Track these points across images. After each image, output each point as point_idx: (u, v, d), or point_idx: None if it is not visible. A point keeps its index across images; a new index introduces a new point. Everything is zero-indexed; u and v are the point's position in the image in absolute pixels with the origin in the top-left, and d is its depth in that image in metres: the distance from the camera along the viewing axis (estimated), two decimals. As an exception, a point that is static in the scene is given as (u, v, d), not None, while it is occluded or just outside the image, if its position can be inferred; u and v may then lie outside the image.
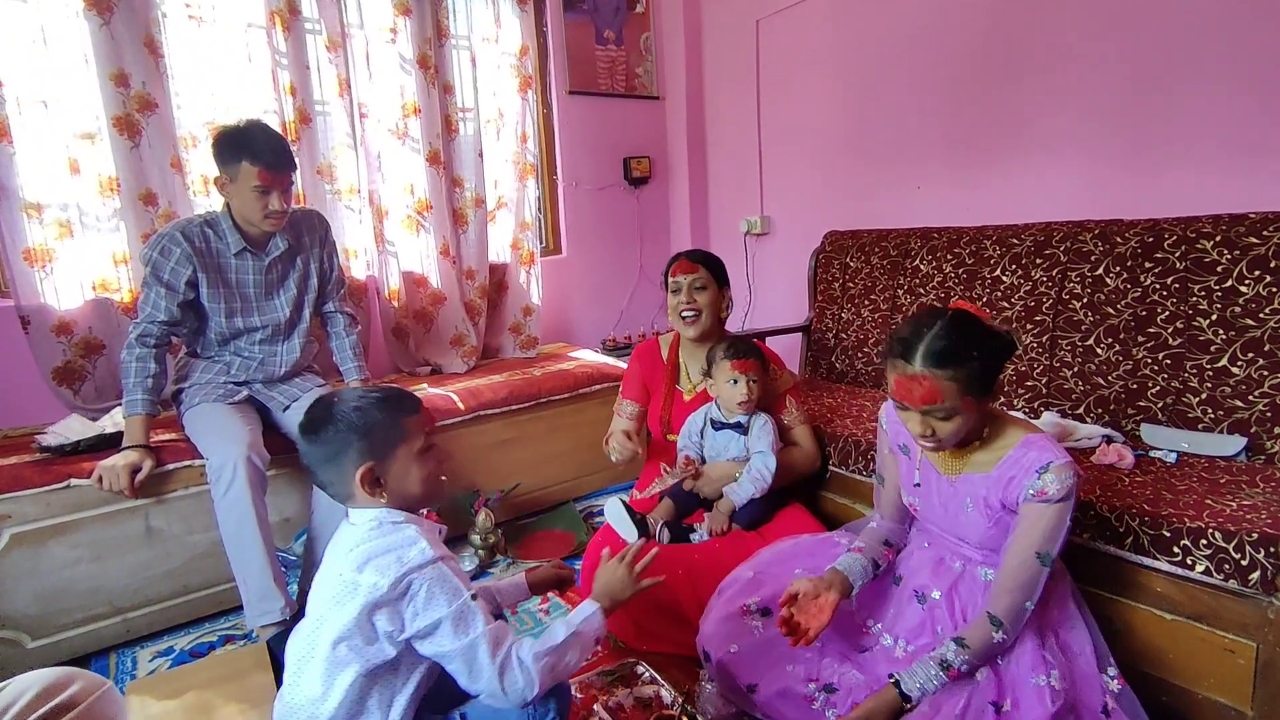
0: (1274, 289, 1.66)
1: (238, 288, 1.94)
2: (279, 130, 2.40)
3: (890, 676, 1.25)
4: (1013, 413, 1.35)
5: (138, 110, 2.20)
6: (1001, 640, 1.19)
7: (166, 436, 1.95)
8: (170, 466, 1.86)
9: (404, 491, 1.11)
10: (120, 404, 1.86)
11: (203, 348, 1.99)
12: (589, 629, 1.17)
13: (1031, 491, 1.20)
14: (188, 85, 2.34)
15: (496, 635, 1.06)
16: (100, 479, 1.72)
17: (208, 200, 2.36)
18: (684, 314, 1.88)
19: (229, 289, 1.93)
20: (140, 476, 1.75)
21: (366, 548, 1.04)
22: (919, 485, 1.40)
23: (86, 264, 2.22)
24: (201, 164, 2.36)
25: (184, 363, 2.01)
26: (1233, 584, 1.28)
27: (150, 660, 1.82)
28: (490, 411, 2.45)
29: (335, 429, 1.07)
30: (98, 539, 1.80)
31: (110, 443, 1.87)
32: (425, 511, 1.25)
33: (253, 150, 1.77)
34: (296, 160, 2.43)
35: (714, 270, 1.92)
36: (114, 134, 2.17)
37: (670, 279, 1.92)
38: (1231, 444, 1.66)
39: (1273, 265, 1.67)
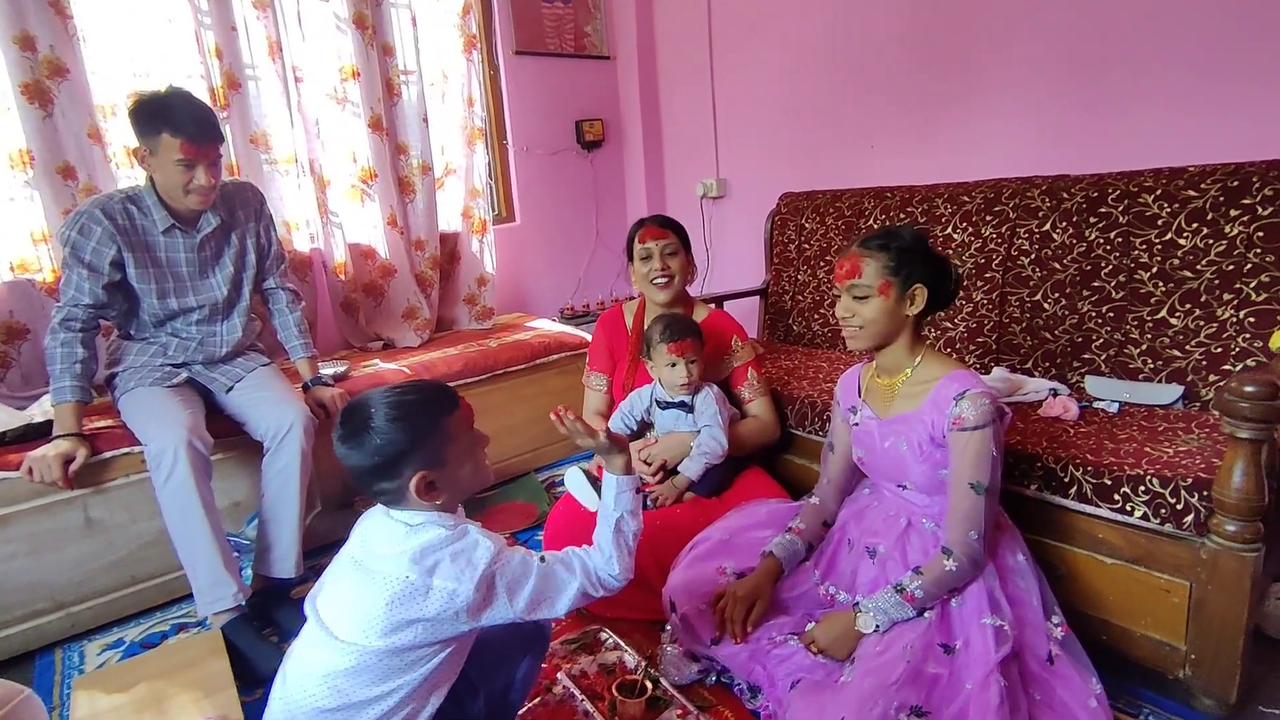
0: (1210, 241, 1.71)
1: (169, 267, 1.84)
2: (206, 97, 2.29)
3: (854, 604, 1.31)
4: (946, 355, 1.43)
5: (48, 76, 2.05)
6: (953, 569, 1.24)
7: (102, 423, 1.86)
8: (107, 454, 1.78)
9: (457, 489, 1.09)
10: (49, 391, 1.77)
11: (136, 329, 1.89)
12: (626, 500, 1.18)
13: (951, 420, 1.27)
14: (102, 49, 2.19)
15: (582, 570, 1.11)
16: (30, 471, 1.64)
17: (132, 173, 2.23)
18: (656, 280, 1.87)
19: (159, 269, 1.83)
20: (74, 466, 1.67)
21: (430, 551, 1.01)
22: (858, 425, 1.47)
23: (2, 243, 2.09)
24: (123, 134, 2.22)
25: (116, 345, 1.92)
26: (1168, 527, 1.33)
27: (99, 654, 1.76)
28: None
29: (379, 442, 1.01)
30: (33, 532, 1.72)
31: (40, 432, 1.78)
32: None
33: (173, 121, 1.65)
34: (226, 131, 2.32)
35: (681, 236, 1.92)
36: (23, 102, 2.02)
37: (639, 245, 1.89)
38: (1169, 393, 1.72)
39: (1209, 218, 1.71)
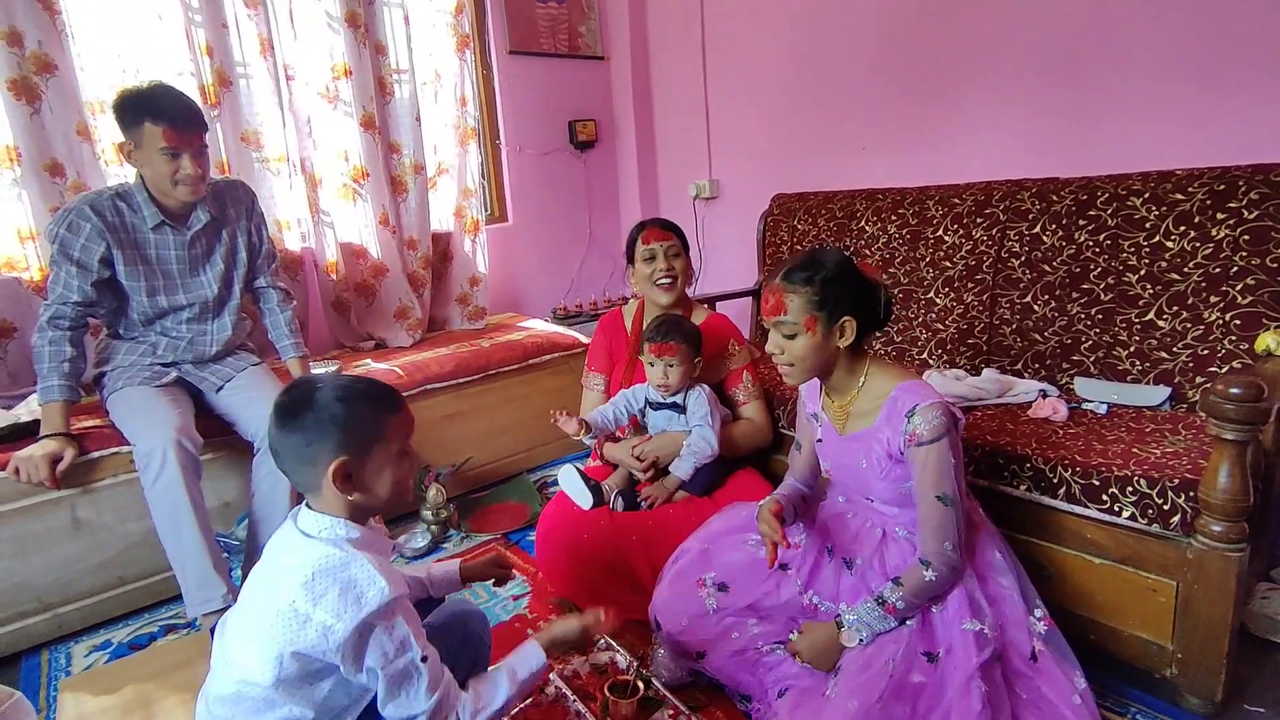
0: (1197, 244, 1.72)
1: (159, 264, 1.83)
2: (196, 95, 2.28)
3: (836, 616, 1.30)
4: (892, 362, 1.40)
5: (35, 72, 2.03)
6: (932, 579, 1.23)
7: (90, 423, 1.85)
8: (96, 454, 1.77)
9: (373, 492, 1.04)
10: (36, 390, 1.75)
11: (125, 328, 1.88)
12: (531, 678, 1.15)
13: (906, 437, 1.25)
14: (91, 45, 2.17)
15: (442, 694, 1.02)
16: (17, 471, 1.62)
17: (121, 171, 2.22)
18: (661, 281, 1.87)
19: (149, 266, 1.81)
20: (62, 466, 1.65)
21: (321, 577, 0.95)
22: (821, 441, 1.45)
23: (-11, 241, 2.07)
24: (112, 131, 2.18)
25: (105, 344, 1.90)
26: (1156, 528, 1.34)
27: (86, 655, 1.74)
28: (436, 385, 2.40)
29: (315, 416, 0.99)
30: (19, 533, 1.71)
31: (27, 432, 1.76)
32: None
33: (155, 109, 1.64)
34: (217, 129, 2.31)
35: (683, 238, 1.93)
36: (10, 99, 2.00)
37: (642, 246, 1.89)
38: (1157, 394, 1.73)
39: (1196, 220, 1.73)
